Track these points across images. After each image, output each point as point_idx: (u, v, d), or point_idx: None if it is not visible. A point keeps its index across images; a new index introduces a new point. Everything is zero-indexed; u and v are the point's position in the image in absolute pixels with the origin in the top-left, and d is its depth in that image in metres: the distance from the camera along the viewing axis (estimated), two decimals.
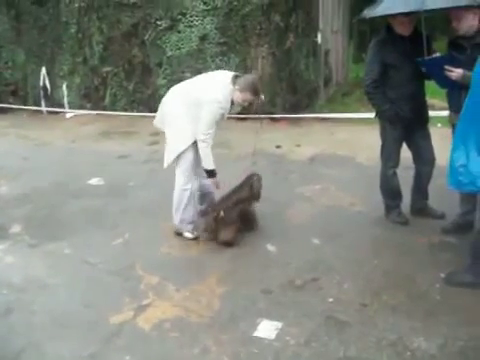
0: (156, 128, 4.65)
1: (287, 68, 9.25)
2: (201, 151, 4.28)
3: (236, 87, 4.25)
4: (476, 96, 3.23)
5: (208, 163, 4.31)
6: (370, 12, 4.23)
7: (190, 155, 4.37)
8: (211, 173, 4.37)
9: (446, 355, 2.90)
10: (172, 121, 4.37)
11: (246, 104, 4.52)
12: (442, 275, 3.73)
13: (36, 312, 3.52)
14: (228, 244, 4.40)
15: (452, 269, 3.76)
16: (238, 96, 4.28)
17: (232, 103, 4.35)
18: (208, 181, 4.51)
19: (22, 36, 10.98)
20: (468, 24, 3.90)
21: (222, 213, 4.37)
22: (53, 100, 10.90)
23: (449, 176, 3.40)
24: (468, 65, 3.53)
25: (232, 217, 4.43)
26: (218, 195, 4.61)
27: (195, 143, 4.31)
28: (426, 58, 4.09)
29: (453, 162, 3.35)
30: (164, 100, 4.52)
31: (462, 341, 3.00)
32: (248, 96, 4.30)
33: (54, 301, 3.67)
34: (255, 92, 4.30)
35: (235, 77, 4.32)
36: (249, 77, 4.48)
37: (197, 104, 4.23)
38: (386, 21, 4.38)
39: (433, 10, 4.02)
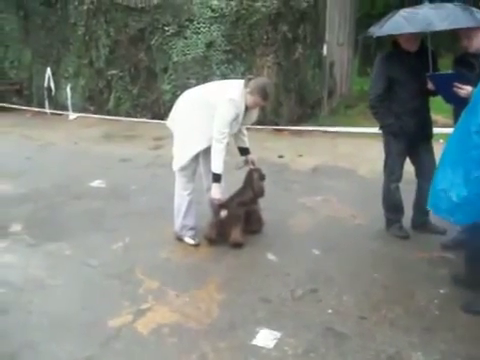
0: (168, 128, 4.57)
1: (296, 79, 9.27)
2: (214, 151, 4.16)
3: (247, 90, 4.20)
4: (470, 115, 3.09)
5: (218, 165, 4.17)
6: (377, 30, 4.25)
7: (194, 161, 4.38)
8: (217, 177, 4.21)
9: None
10: (186, 123, 4.33)
11: (257, 107, 4.44)
12: (441, 291, 3.72)
13: (34, 312, 3.51)
14: (239, 245, 4.43)
15: (451, 286, 3.76)
16: (249, 99, 4.21)
17: (246, 109, 4.27)
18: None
19: (29, 36, 11.06)
20: (479, 42, 3.92)
21: (225, 213, 4.36)
22: (57, 101, 10.94)
23: (429, 197, 3.27)
24: (477, 83, 3.54)
25: (238, 216, 4.44)
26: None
27: (204, 149, 4.30)
28: (436, 73, 4.11)
29: (436, 183, 3.21)
30: (179, 100, 4.49)
31: (459, 358, 2.99)
32: (258, 100, 4.22)
33: (52, 302, 3.66)
34: (264, 96, 4.21)
35: (248, 80, 4.27)
36: (260, 80, 4.37)
37: (211, 106, 4.17)
38: (392, 37, 4.41)
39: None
